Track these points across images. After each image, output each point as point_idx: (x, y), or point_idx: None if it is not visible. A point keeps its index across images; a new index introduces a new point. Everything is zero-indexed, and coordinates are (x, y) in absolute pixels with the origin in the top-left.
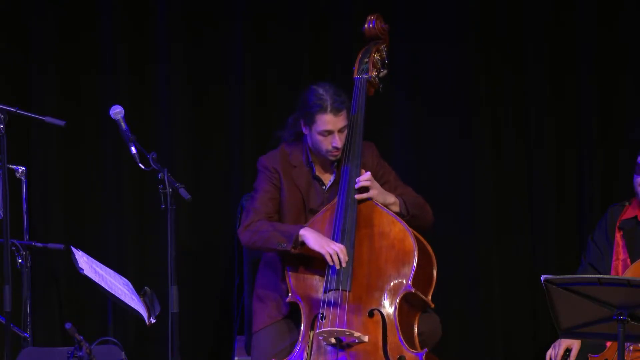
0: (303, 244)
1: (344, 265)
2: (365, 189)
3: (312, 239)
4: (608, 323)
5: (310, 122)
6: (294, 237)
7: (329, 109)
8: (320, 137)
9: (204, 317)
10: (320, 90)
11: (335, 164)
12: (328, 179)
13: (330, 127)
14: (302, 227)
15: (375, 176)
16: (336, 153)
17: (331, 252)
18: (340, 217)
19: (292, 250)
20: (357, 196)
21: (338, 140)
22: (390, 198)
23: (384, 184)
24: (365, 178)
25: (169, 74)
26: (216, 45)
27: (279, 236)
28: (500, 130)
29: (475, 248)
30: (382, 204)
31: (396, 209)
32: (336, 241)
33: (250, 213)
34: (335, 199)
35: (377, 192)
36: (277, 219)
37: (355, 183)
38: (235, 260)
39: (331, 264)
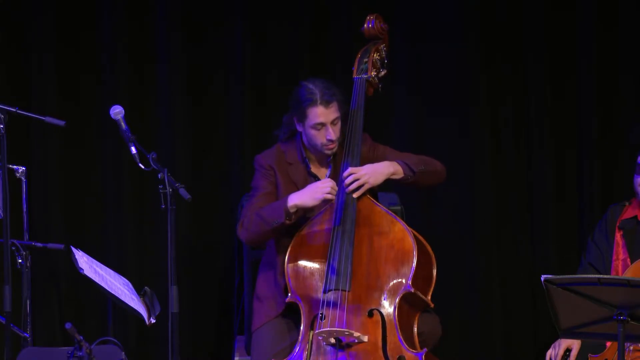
0: (297, 211)
1: (335, 189)
2: (355, 182)
3: (304, 199)
4: (608, 323)
5: (303, 117)
6: (284, 210)
7: (319, 102)
8: (313, 132)
9: (204, 317)
10: (310, 85)
11: (331, 158)
12: (324, 174)
13: (322, 120)
14: (287, 197)
15: (369, 162)
16: (332, 146)
17: (327, 190)
18: (339, 217)
19: (288, 221)
20: (355, 194)
21: (332, 133)
22: (389, 168)
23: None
24: (346, 175)
25: (169, 73)
26: (216, 45)
27: (270, 214)
28: (500, 130)
29: (475, 248)
30: (382, 180)
31: (400, 175)
32: (335, 241)
33: (246, 211)
34: (335, 200)
35: (369, 177)
36: None
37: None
38: (235, 260)
39: (334, 197)
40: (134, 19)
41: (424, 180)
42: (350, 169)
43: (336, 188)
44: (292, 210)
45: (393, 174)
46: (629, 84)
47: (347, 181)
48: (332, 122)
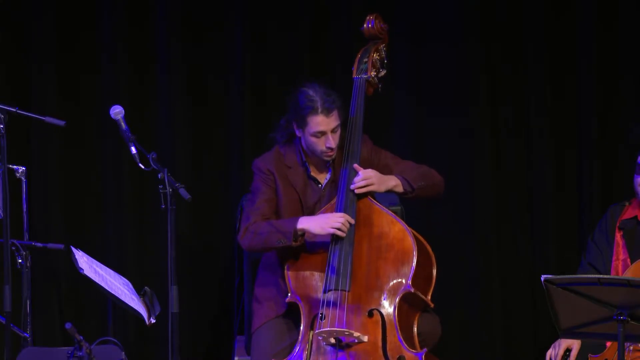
0: (304, 234)
1: (353, 222)
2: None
3: (312, 225)
4: (608, 323)
5: (303, 124)
6: (292, 232)
7: (320, 110)
8: (313, 139)
9: (204, 317)
10: (310, 92)
11: (331, 162)
12: (324, 177)
13: (323, 128)
14: (298, 219)
15: (371, 165)
16: (331, 153)
17: (337, 225)
18: None
19: (294, 244)
20: (358, 190)
21: (332, 141)
22: (391, 181)
23: (382, 169)
24: (359, 180)
25: (169, 73)
26: (216, 45)
27: (278, 233)
28: (500, 130)
29: (475, 248)
30: (384, 190)
31: (400, 189)
32: (335, 241)
33: (248, 217)
34: (334, 200)
35: (376, 183)
36: (275, 219)
37: (352, 183)
38: (235, 260)
39: (344, 234)
40: (134, 19)
41: (423, 194)
42: (361, 174)
43: (350, 224)
44: (299, 233)
45: (394, 186)
46: (629, 84)
47: (359, 185)
48: (333, 130)
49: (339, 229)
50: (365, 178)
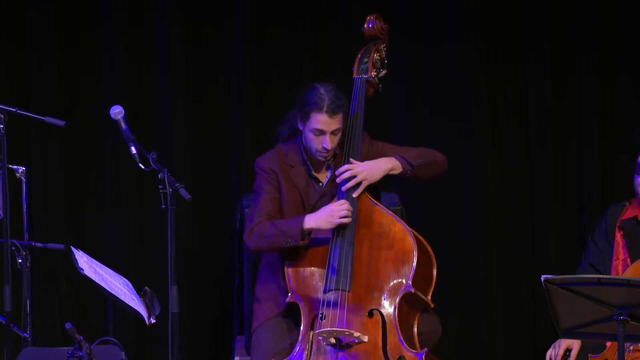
0: (310, 232)
1: (352, 209)
2: (352, 179)
3: (319, 222)
4: (608, 323)
5: (305, 118)
6: (299, 231)
7: (324, 109)
8: (311, 135)
9: (204, 317)
10: (322, 90)
11: (332, 161)
12: (324, 176)
13: (322, 127)
14: (304, 219)
15: (370, 158)
16: (325, 154)
17: (343, 214)
18: None
19: (302, 243)
20: (355, 193)
21: (329, 142)
22: (387, 164)
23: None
24: (343, 169)
25: (168, 73)
26: (216, 45)
27: (285, 234)
28: (500, 130)
29: (476, 248)
30: (380, 176)
31: (398, 170)
32: (336, 241)
33: (253, 217)
34: (334, 200)
35: (367, 174)
36: (279, 219)
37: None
38: (235, 260)
39: (350, 220)
40: (134, 19)
41: (424, 173)
42: (347, 165)
43: (351, 209)
44: (306, 232)
45: (391, 169)
46: (629, 84)
47: (344, 176)
48: (332, 132)
49: (345, 217)
50: (354, 175)
